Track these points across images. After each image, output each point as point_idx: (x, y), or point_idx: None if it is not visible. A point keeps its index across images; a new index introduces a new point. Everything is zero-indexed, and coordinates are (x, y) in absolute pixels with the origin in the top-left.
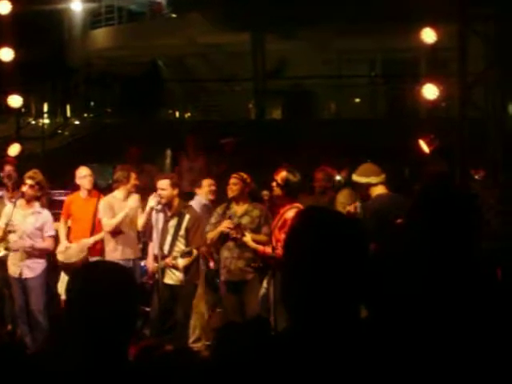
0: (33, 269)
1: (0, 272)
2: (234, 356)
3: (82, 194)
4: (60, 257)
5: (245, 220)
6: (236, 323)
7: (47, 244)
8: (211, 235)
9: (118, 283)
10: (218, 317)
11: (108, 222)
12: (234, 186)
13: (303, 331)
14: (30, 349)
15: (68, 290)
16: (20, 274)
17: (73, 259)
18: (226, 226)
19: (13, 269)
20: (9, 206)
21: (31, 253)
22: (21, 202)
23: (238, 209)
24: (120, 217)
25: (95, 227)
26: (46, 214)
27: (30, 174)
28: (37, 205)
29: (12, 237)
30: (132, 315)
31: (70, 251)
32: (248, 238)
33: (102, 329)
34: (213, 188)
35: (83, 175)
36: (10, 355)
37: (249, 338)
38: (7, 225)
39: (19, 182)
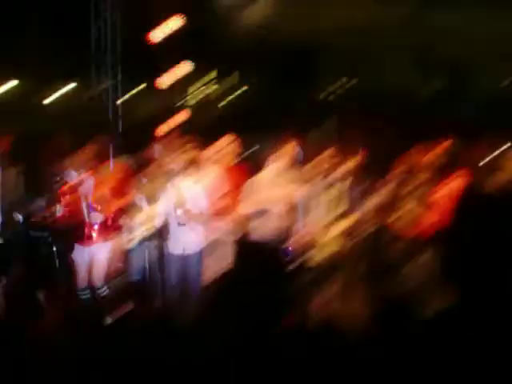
0: (195, 244)
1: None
2: None
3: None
4: None
5: None
6: None
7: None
8: None
9: (266, 264)
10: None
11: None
12: None
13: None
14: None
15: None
16: (182, 250)
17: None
18: None
19: (174, 246)
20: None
21: (194, 228)
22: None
23: None
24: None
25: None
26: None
27: None
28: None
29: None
30: (278, 296)
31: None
32: None
33: (249, 309)
34: None
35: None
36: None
37: None
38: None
39: None
